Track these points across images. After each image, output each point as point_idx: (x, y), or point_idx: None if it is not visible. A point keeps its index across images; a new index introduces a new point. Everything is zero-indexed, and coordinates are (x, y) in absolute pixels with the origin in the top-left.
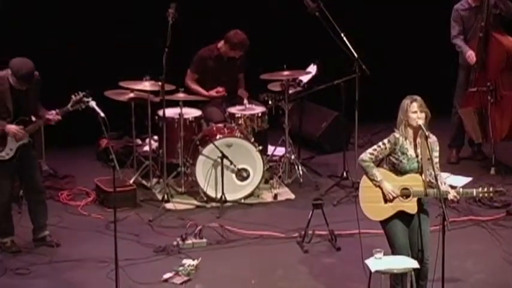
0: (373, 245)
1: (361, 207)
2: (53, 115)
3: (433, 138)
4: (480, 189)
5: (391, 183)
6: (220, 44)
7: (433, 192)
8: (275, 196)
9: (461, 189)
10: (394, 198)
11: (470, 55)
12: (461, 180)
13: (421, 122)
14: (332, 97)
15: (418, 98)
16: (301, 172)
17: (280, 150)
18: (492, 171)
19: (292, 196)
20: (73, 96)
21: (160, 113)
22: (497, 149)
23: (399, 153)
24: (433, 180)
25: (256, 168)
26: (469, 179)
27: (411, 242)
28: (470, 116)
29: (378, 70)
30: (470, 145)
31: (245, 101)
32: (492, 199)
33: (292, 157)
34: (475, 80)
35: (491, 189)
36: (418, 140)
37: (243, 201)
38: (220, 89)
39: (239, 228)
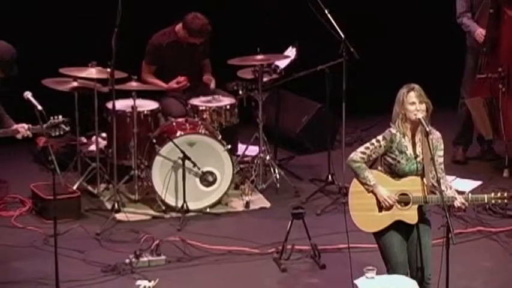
0: (365, 262)
1: (351, 216)
2: (24, 129)
3: (436, 135)
4: (492, 194)
5: (387, 187)
6: (178, 27)
7: (436, 199)
8: (247, 204)
9: (469, 195)
10: (390, 205)
11: (480, 33)
12: (469, 184)
13: (420, 115)
14: (315, 86)
15: (417, 86)
16: (278, 176)
17: (252, 150)
18: (505, 173)
19: (268, 204)
20: (51, 118)
21: (110, 105)
22: (511, 147)
23: (396, 152)
24: (436, 184)
25: (224, 171)
26: (478, 182)
27: (410, 258)
28: (479, 108)
29: (369, 53)
30: (479, 142)
31: (212, 85)
32: (506, 206)
33: (267, 158)
34: (484, 64)
35: (505, 194)
36: (419, 136)
37: (208, 210)
38: (181, 78)
39: (204, 243)
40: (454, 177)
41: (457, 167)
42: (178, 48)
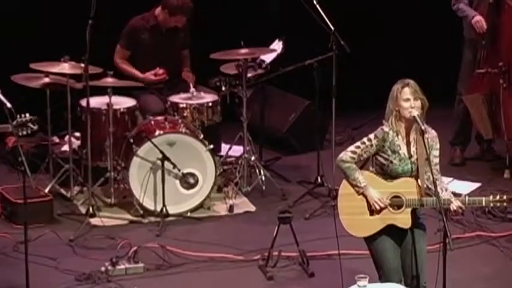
0: (356, 270)
1: (340, 220)
2: None
3: (431, 133)
4: (491, 197)
5: (379, 189)
6: (157, 10)
7: (432, 202)
8: (230, 208)
9: (466, 198)
10: (382, 208)
11: (479, 21)
12: (466, 187)
13: (415, 112)
14: (303, 82)
15: (411, 82)
16: (263, 177)
17: (236, 150)
18: (506, 174)
19: (253, 208)
20: (18, 116)
21: (84, 102)
22: (511, 146)
23: (389, 152)
24: (432, 186)
25: (206, 173)
26: (477, 184)
27: (404, 265)
28: (477, 105)
29: (361, 47)
30: (478, 142)
31: (191, 87)
32: (506, 209)
33: (252, 158)
34: (483, 58)
35: (504, 197)
36: (413, 135)
37: (189, 214)
38: (160, 70)
39: (184, 249)
40: (451, 179)
41: (454, 168)
42: (157, 34)
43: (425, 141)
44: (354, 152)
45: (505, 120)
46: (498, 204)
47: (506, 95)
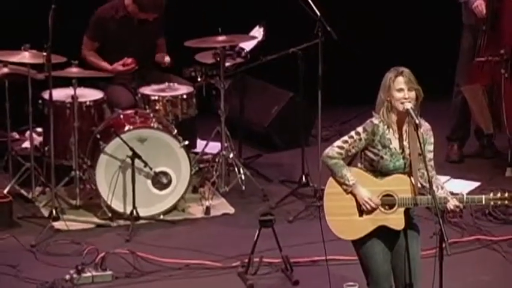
0: (345, 277)
1: (327, 222)
2: None
3: (425, 126)
4: (491, 194)
5: (369, 187)
6: (128, 0)
7: (426, 200)
8: (207, 210)
9: (464, 196)
10: (373, 208)
11: (479, 5)
12: (465, 186)
13: (408, 105)
14: (286, 72)
15: (406, 70)
16: (243, 177)
17: (213, 146)
18: (508, 172)
19: (231, 210)
20: None
21: (46, 95)
22: None
23: (379, 146)
24: (426, 184)
25: (180, 172)
26: (476, 183)
27: (396, 271)
28: (477, 96)
29: (349, 33)
30: (477, 137)
31: (166, 57)
32: (508, 211)
33: (231, 155)
34: (483, 46)
35: (506, 194)
36: (405, 128)
37: (162, 217)
38: (128, 60)
39: (157, 256)
40: (447, 177)
41: (452, 165)
42: (127, 24)
43: (420, 136)
44: (341, 147)
45: (506, 113)
46: (499, 202)
47: (508, 86)
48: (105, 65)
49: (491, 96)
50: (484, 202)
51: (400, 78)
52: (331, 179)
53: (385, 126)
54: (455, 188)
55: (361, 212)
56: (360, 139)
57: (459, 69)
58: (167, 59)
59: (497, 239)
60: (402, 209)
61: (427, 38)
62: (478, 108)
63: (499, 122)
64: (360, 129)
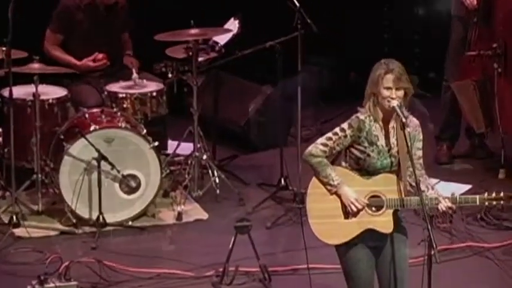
0: (328, 287)
1: (309, 225)
2: None
3: (413, 122)
4: (486, 195)
5: (355, 188)
6: None
7: (416, 201)
8: (179, 216)
9: (457, 196)
10: (359, 210)
11: None
12: (455, 189)
13: (394, 103)
14: (263, 67)
15: (397, 66)
16: (217, 180)
17: (185, 148)
18: (501, 174)
19: (205, 215)
20: None
21: (6, 92)
22: (507, 142)
23: (365, 144)
24: (415, 184)
25: (150, 175)
26: (467, 186)
27: (381, 278)
28: (468, 93)
29: (331, 25)
30: (468, 136)
31: (134, 74)
32: (502, 216)
33: (204, 157)
34: (474, 38)
35: (502, 193)
36: (392, 124)
37: (130, 223)
38: (99, 55)
39: (125, 265)
40: (436, 180)
41: (441, 167)
42: (93, 13)
43: (407, 135)
44: (325, 145)
45: (499, 110)
46: (495, 202)
47: (501, 82)
48: (72, 59)
49: (483, 93)
50: (478, 203)
51: (389, 76)
52: (314, 179)
53: (372, 122)
54: (444, 191)
55: (346, 214)
56: (345, 136)
57: (448, 64)
58: (135, 75)
59: (490, 246)
60: (390, 211)
61: (416, 31)
62: (469, 105)
63: (491, 120)
64: (345, 125)
